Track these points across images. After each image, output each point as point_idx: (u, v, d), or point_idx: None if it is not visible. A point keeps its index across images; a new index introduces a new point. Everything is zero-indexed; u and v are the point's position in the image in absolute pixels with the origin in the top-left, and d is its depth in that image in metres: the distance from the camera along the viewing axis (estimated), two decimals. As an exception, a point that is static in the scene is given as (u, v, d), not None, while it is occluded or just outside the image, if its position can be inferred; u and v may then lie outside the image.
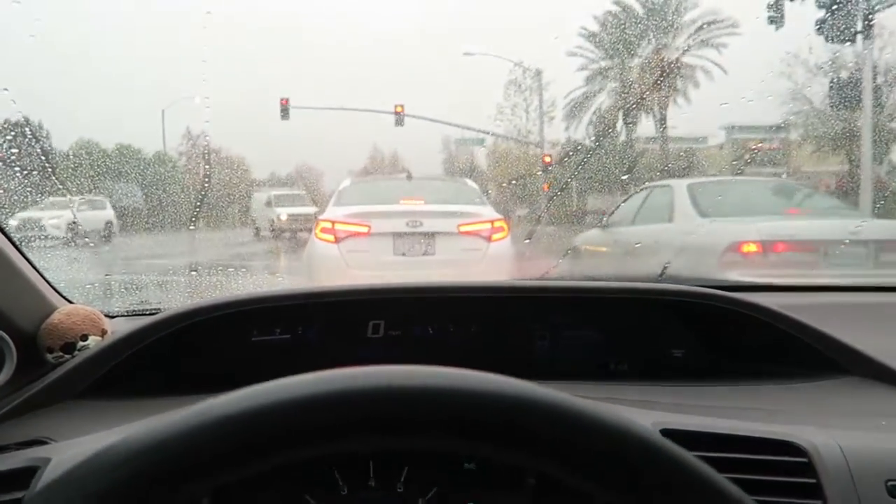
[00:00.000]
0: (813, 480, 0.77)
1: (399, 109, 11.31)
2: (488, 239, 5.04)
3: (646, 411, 0.88)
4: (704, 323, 1.25)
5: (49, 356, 1.08)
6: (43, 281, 1.14)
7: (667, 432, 0.82)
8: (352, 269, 4.74)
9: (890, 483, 0.75)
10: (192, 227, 5.25)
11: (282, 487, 0.85)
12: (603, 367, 1.25)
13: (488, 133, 15.71)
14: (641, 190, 5.41)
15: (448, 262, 4.93)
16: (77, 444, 0.82)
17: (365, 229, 4.95)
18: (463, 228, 5.06)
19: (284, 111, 10.22)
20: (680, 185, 4.76)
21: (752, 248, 3.64)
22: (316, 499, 0.86)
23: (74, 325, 1.09)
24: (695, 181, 4.88)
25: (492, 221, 5.17)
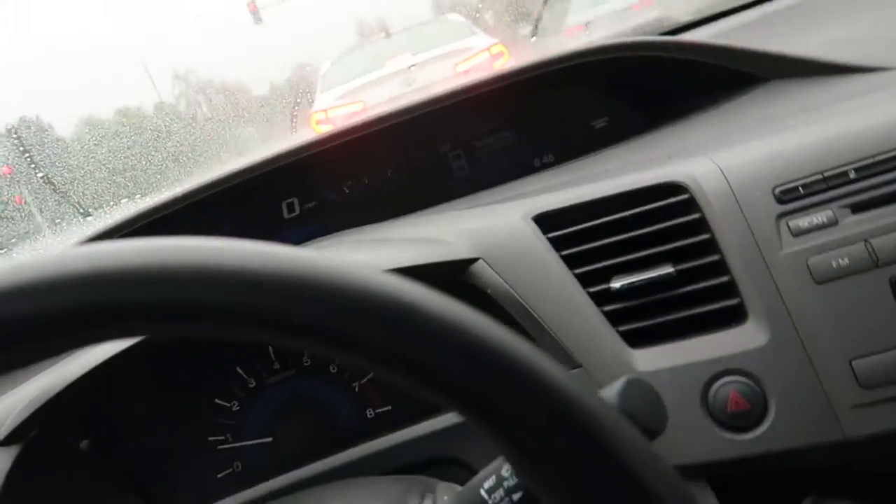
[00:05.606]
0: (697, 215, 0.69)
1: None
2: (490, 68, 4.77)
3: (517, 202, 0.80)
4: (621, 84, 1.12)
5: None
6: None
7: (539, 217, 0.75)
8: None
9: (777, 189, 0.66)
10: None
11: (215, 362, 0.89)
12: (528, 166, 1.16)
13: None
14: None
15: None
16: None
17: (360, 106, 4.71)
18: (460, 67, 4.75)
19: (255, 16, 9.74)
20: None
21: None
22: (248, 374, 0.89)
23: None
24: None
25: (488, 49, 4.84)
